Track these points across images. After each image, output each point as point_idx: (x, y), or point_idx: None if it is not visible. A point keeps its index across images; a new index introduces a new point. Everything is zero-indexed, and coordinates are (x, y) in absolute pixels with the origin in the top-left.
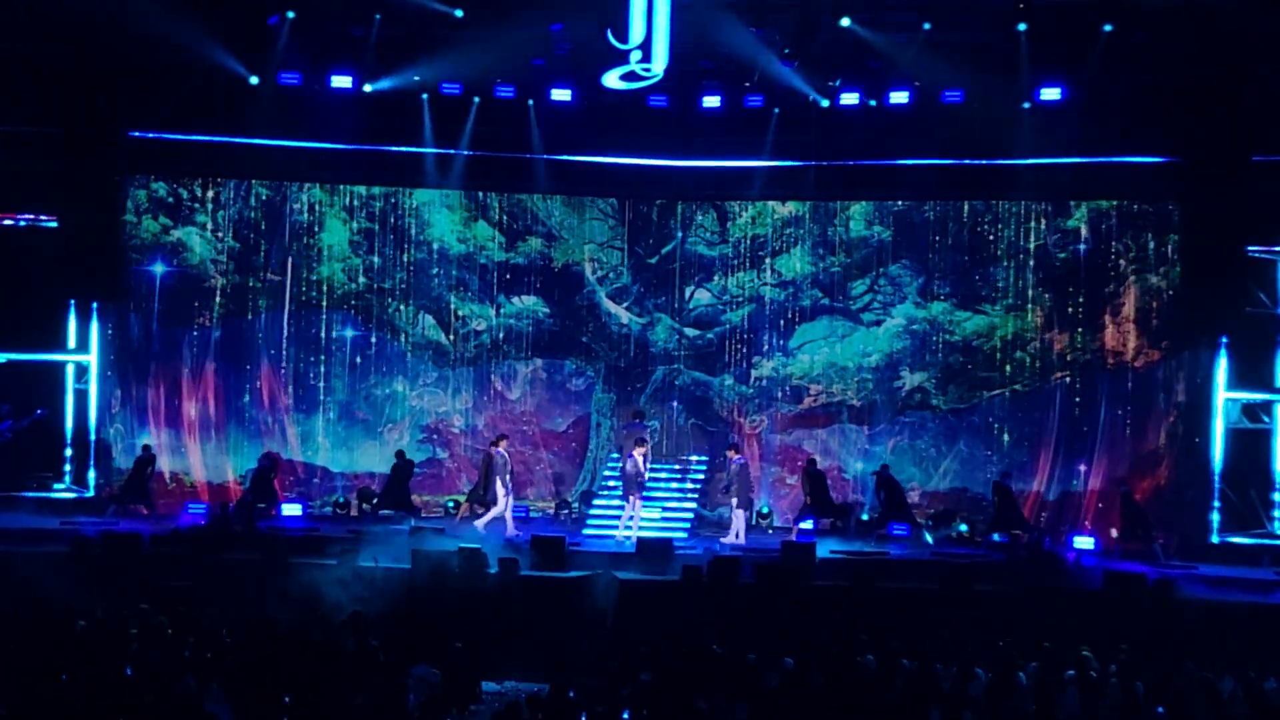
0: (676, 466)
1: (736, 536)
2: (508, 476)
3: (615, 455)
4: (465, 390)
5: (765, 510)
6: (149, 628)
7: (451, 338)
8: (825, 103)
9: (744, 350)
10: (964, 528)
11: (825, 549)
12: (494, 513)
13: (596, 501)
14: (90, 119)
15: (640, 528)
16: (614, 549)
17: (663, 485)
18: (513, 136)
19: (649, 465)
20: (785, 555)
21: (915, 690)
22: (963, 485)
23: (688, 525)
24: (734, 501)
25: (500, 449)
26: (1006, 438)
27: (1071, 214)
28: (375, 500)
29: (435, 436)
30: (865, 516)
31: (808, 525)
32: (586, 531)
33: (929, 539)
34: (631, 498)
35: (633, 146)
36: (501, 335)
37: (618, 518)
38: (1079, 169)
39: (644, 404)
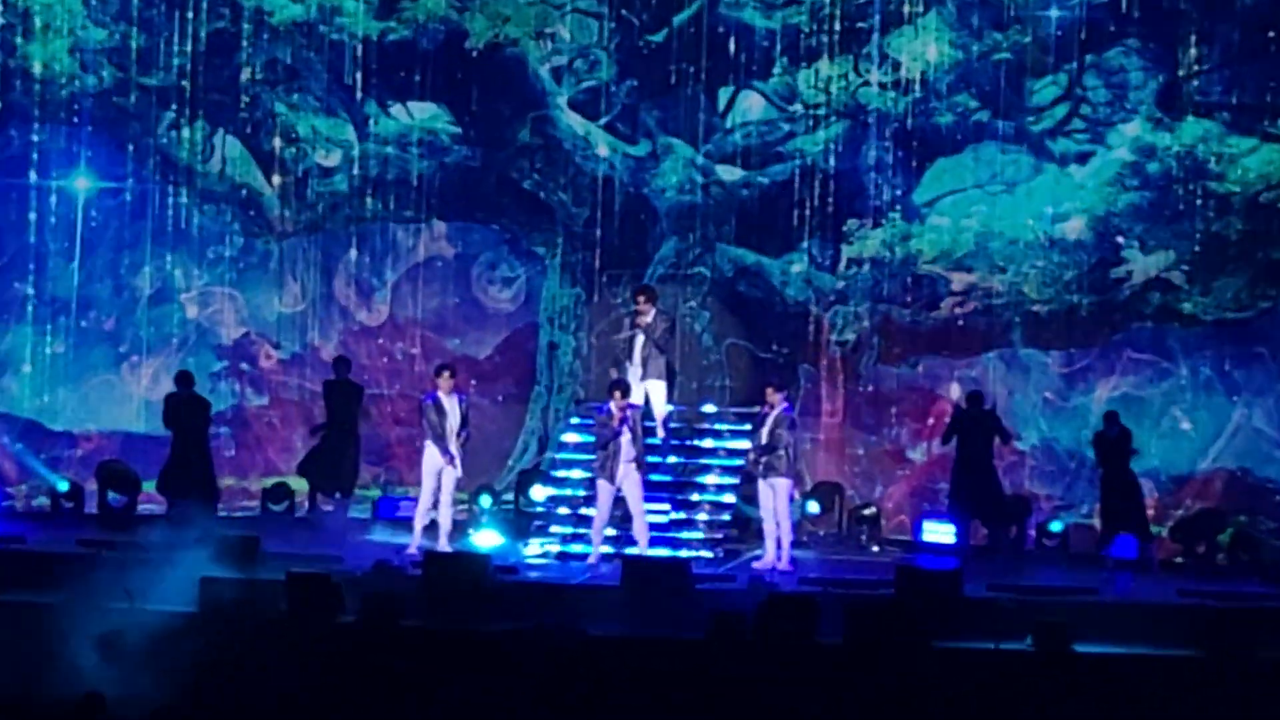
0: (701, 424)
1: (776, 557)
2: (452, 442)
3: (588, 404)
4: (298, 280)
5: (869, 513)
6: None
7: (276, 181)
8: None
9: (828, 209)
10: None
11: (979, 581)
12: (443, 513)
13: (549, 491)
14: None
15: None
16: (581, 578)
17: (673, 461)
18: None
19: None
20: (903, 590)
21: None
22: (1239, 464)
23: (720, 536)
24: (775, 483)
25: (442, 392)
26: None
27: None
28: (133, 484)
29: (242, 370)
30: (1058, 525)
31: (942, 534)
32: (530, 550)
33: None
34: (616, 479)
35: None
36: (371, 178)
37: (587, 521)
38: None
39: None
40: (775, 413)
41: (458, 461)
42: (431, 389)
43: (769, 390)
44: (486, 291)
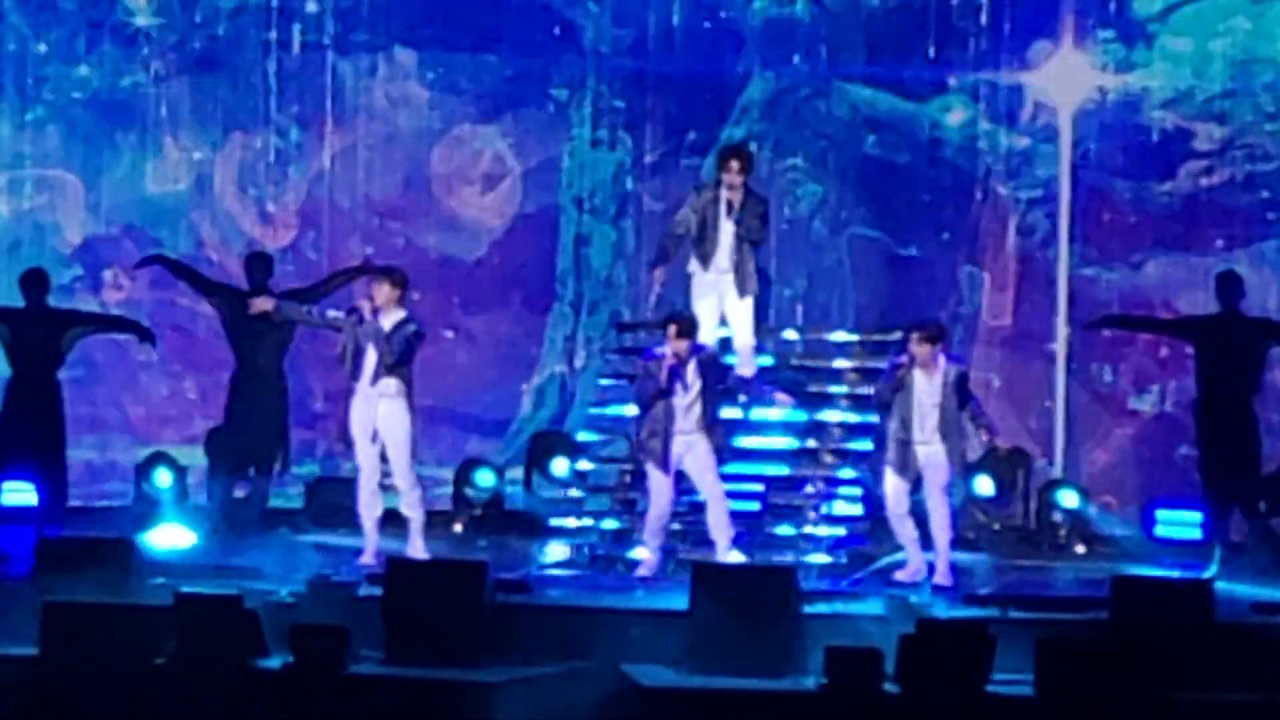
0: (820, 361)
1: (929, 564)
2: (402, 399)
3: (618, 339)
4: (182, 145)
5: (1069, 496)
6: None
7: None
8: None
9: (1004, 25)
10: None
11: (1240, 599)
12: (405, 497)
13: (577, 464)
14: None
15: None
16: (629, 599)
17: (771, 418)
18: None
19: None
20: (1124, 613)
21: None
22: None
23: (844, 532)
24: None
25: (379, 303)
26: None
27: None
28: None
29: (102, 282)
30: None
31: (1182, 529)
32: (550, 555)
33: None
34: (671, 462)
35: None
36: None
37: (632, 510)
38: None
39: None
40: (937, 374)
41: (394, 411)
42: (365, 309)
43: (914, 340)
44: (454, 190)
